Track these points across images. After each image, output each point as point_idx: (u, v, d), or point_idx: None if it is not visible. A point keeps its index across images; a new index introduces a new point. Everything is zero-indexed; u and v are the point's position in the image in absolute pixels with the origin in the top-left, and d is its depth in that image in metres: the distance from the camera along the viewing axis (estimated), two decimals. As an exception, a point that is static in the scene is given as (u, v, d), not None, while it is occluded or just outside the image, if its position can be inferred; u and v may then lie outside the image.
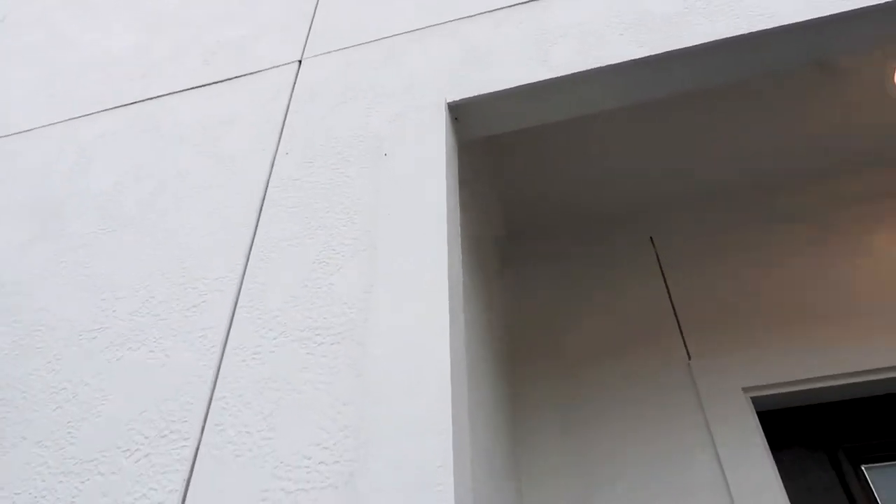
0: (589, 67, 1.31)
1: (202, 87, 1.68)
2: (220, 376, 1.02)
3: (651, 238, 2.02)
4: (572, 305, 1.95)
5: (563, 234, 2.15)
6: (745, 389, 1.61)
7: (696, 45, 1.28)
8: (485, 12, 1.57)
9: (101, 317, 1.19)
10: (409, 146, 1.25)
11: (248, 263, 1.18)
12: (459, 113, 1.34)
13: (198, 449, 0.94)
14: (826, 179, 2.00)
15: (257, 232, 1.23)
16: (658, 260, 1.96)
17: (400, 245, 1.07)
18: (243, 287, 1.14)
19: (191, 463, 0.92)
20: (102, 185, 1.49)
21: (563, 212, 2.18)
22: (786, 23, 1.26)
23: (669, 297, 1.86)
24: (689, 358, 1.72)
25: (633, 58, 1.29)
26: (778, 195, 2.01)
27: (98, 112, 1.72)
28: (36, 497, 0.96)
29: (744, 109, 1.91)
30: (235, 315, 1.10)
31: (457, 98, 1.34)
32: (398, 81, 1.46)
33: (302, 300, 1.08)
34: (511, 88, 1.33)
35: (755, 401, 1.60)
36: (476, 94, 1.34)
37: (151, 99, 1.69)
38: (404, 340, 0.94)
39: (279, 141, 1.43)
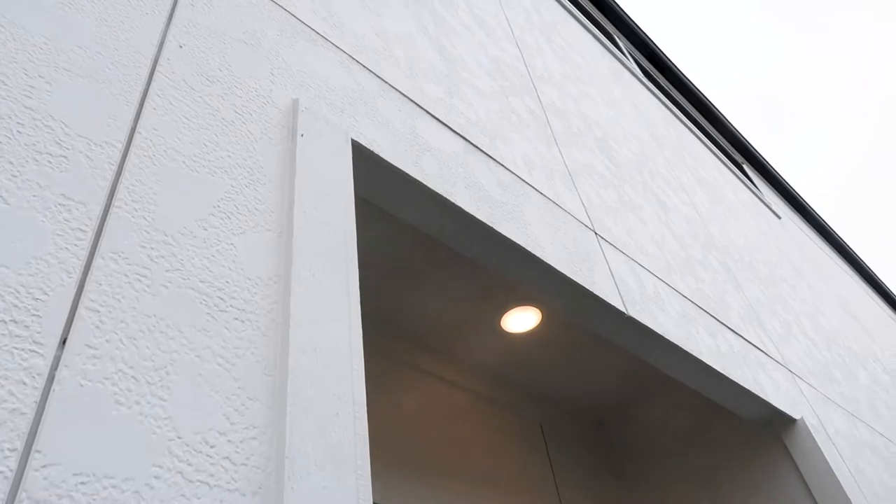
0: (445, 194, 1.50)
1: None
2: (89, 277, 0.74)
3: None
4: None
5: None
6: None
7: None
8: (370, 70, 1.63)
9: None
10: (322, 152, 1.19)
11: (131, 148, 0.90)
12: (354, 157, 1.34)
13: (55, 367, 0.65)
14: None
15: (142, 113, 0.95)
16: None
17: (319, 256, 1.01)
18: (123, 175, 0.86)
19: (45, 381, 0.63)
20: None
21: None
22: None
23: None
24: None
25: (471, 213, 1.55)
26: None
27: None
28: None
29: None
30: (112, 208, 0.82)
31: (356, 140, 1.35)
32: (300, 71, 1.37)
33: (201, 241, 0.88)
34: (396, 167, 1.41)
35: None
36: (371, 149, 1.37)
37: None
38: (324, 364, 0.89)
39: (170, 20, 1.14)
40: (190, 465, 0.69)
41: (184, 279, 0.83)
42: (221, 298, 0.85)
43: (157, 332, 0.76)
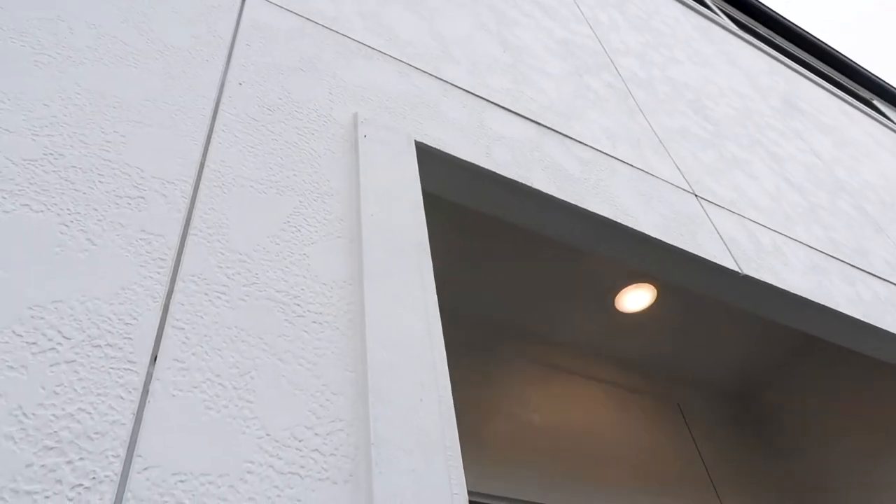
0: (521, 180, 1.49)
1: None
2: (173, 299, 0.80)
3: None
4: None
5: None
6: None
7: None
8: (429, 73, 1.66)
9: (-27, 137, 0.81)
10: (385, 157, 1.23)
11: (201, 180, 0.97)
12: (418, 156, 1.37)
13: (149, 382, 0.72)
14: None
15: (209, 149, 1.03)
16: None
17: (390, 254, 1.04)
18: (196, 206, 0.93)
19: (140, 394, 0.70)
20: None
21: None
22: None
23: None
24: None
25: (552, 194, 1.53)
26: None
27: None
28: None
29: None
30: (188, 235, 0.89)
31: (421, 141, 1.37)
32: (358, 87, 1.42)
33: (274, 255, 0.94)
34: (465, 161, 1.42)
35: None
36: (438, 148, 1.39)
37: None
38: (403, 355, 0.91)
39: (228, 62, 1.23)
40: (280, 458, 0.73)
41: (260, 291, 0.88)
42: (298, 305, 0.90)
43: (240, 341, 0.81)
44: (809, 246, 2.24)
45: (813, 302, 1.90)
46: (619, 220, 1.63)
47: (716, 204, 2.07)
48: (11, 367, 0.65)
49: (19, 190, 0.80)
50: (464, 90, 1.70)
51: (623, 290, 2.37)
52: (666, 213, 1.82)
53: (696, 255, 1.73)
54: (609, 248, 1.71)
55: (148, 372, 0.72)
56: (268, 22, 1.41)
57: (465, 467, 1.87)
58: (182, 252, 0.86)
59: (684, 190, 2.03)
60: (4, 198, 0.78)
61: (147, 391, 0.71)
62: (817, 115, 4.41)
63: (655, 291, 2.40)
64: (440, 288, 2.25)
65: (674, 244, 1.70)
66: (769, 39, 6.20)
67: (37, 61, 0.97)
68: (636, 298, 2.40)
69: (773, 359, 2.85)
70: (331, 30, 1.54)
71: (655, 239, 1.68)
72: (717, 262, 1.75)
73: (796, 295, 1.87)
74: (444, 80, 1.67)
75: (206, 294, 0.83)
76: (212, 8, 1.33)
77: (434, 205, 1.52)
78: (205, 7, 1.31)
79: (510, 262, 2.20)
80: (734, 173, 2.43)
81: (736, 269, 1.79)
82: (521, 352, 2.39)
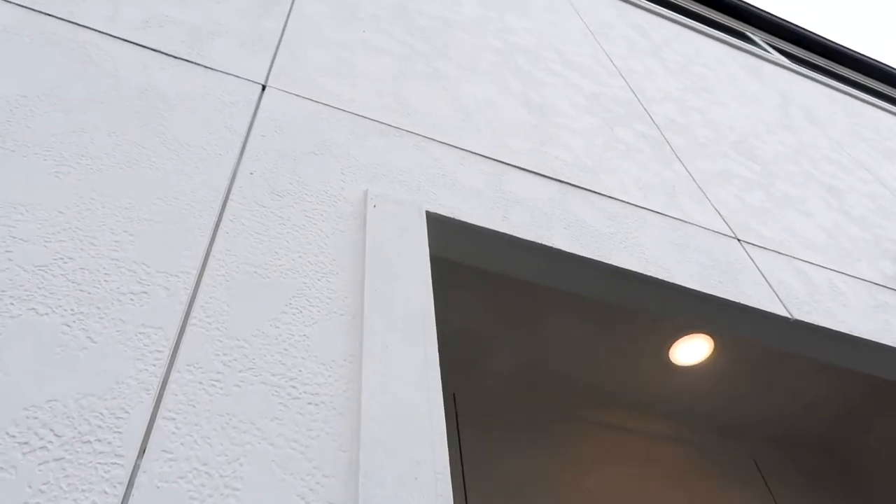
0: (541, 240, 1.48)
1: (145, 49, 1.45)
2: (166, 390, 0.83)
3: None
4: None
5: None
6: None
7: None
8: (448, 144, 1.69)
9: (-11, 249, 0.89)
10: (392, 230, 1.25)
11: (205, 271, 1.01)
12: (430, 226, 1.38)
13: (135, 475, 0.74)
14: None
15: (216, 239, 1.08)
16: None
17: (393, 329, 1.04)
18: (198, 296, 0.97)
19: (125, 489, 0.72)
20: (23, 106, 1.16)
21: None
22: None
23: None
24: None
25: (574, 252, 1.51)
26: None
27: None
28: None
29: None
30: (188, 326, 0.92)
31: (433, 210, 1.39)
32: (372, 164, 1.46)
33: (273, 339, 0.96)
34: (481, 227, 1.43)
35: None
36: (451, 216, 1.41)
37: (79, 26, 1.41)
38: (399, 431, 0.90)
39: (241, 154, 1.30)
40: (264, 548, 0.72)
41: (255, 376, 0.90)
42: (294, 387, 0.91)
43: (230, 428, 0.82)
44: (872, 282, 2.09)
45: (879, 343, 1.77)
46: (649, 273, 1.58)
47: (761, 247, 1.98)
48: (1, 468, 0.68)
49: (27, 295, 0.86)
50: (482, 156, 1.72)
51: (676, 342, 2.27)
52: (703, 261, 1.76)
53: (740, 303, 1.65)
54: (642, 303, 1.65)
55: (135, 465, 0.74)
56: (284, 111, 1.49)
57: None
58: (180, 342, 0.89)
59: (725, 235, 1.96)
60: (13, 303, 0.84)
61: (132, 484, 0.72)
62: (883, 142, 4.20)
63: (712, 341, 2.28)
64: (483, 346, 2.23)
65: (712, 293, 1.63)
66: (826, 69, 6.01)
67: (57, 172, 1.06)
68: (692, 350, 2.30)
69: (859, 405, 2.64)
70: (346, 111, 1.61)
71: (691, 289, 1.62)
72: (763, 307, 1.67)
73: (857, 337, 1.74)
74: (463, 149, 1.70)
75: (201, 382, 0.86)
76: (229, 104, 1.41)
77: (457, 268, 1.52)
78: (222, 104, 1.40)
79: (551, 316, 2.15)
80: (784, 212, 2.33)
81: (785, 314, 1.70)
82: (570, 410, 2.31)
